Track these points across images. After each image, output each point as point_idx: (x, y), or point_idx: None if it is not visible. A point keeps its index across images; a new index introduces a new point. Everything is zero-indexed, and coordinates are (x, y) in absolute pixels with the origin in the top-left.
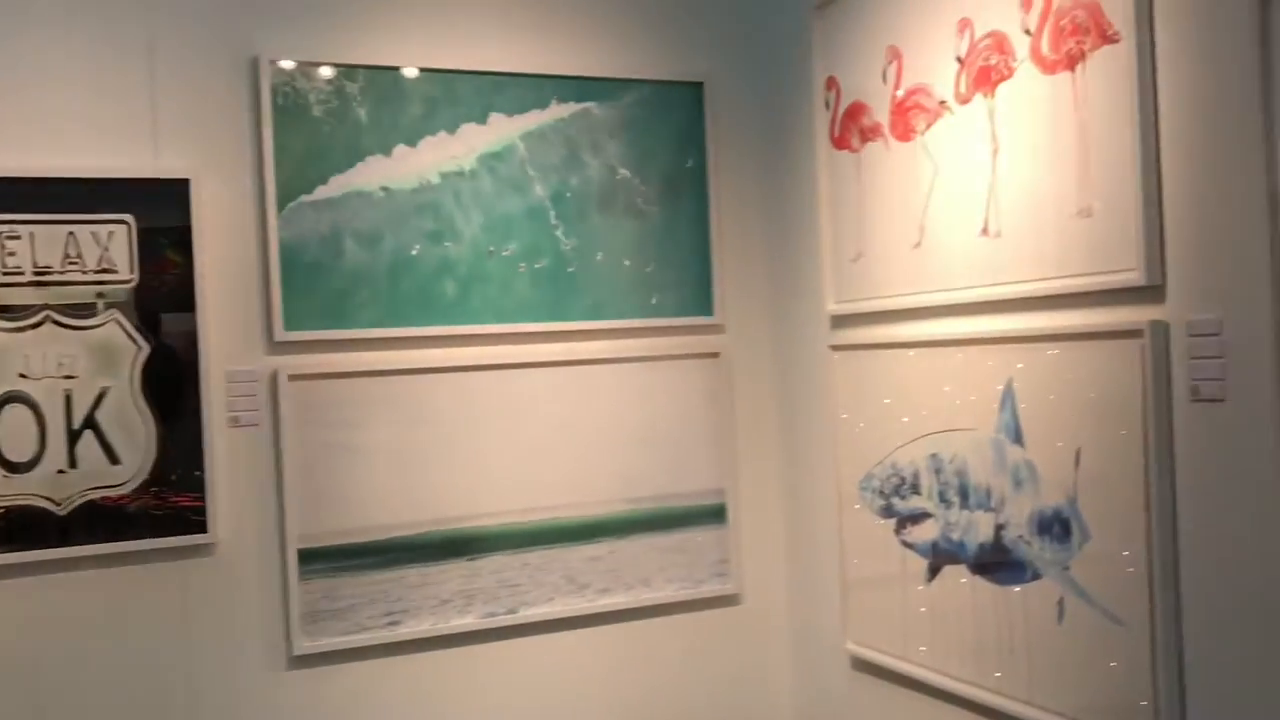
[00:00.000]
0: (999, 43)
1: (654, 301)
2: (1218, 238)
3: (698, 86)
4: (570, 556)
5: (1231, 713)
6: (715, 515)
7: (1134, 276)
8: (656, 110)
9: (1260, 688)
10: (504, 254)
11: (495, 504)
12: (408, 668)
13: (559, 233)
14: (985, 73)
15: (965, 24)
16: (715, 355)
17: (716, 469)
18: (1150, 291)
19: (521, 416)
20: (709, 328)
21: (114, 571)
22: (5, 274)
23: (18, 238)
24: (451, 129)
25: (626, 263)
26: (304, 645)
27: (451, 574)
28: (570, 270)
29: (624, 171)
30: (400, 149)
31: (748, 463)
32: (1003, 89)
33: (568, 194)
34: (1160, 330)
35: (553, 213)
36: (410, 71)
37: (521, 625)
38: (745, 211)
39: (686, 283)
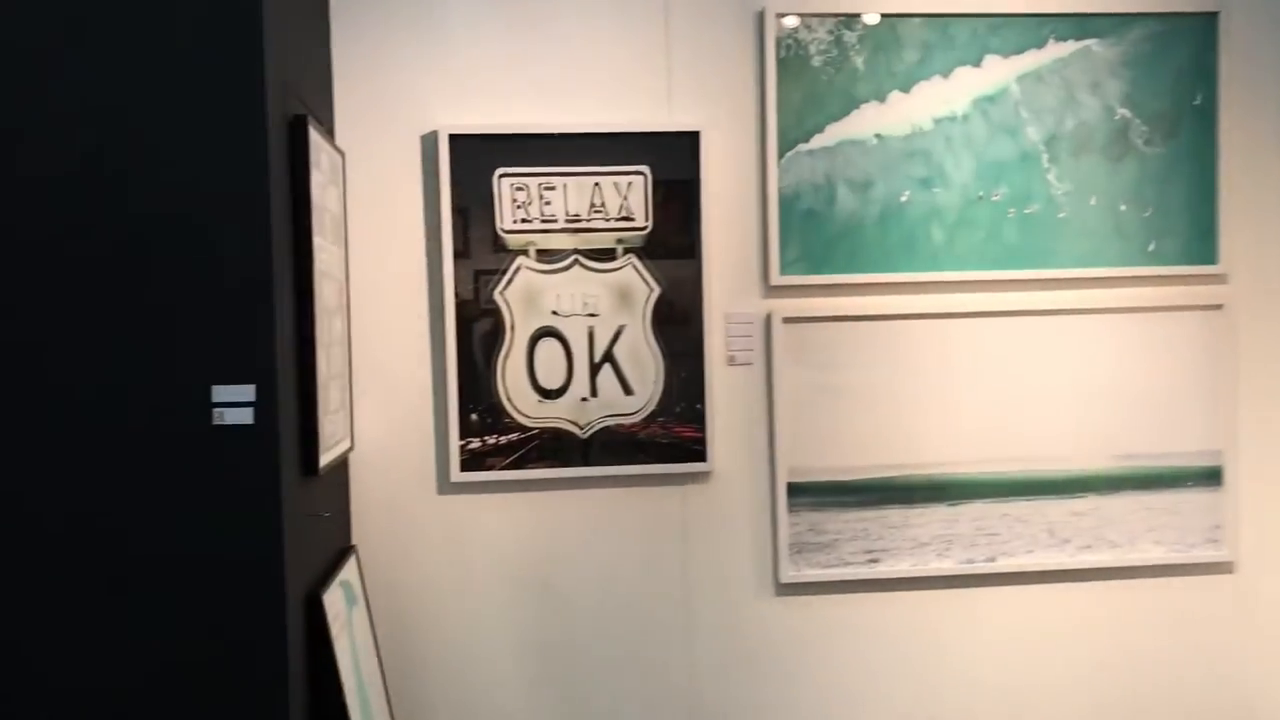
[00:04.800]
0: None
1: (1151, 249)
2: None
3: (1211, 17)
4: (1051, 510)
5: None
6: (1209, 478)
7: None
8: (1162, 46)
9: None
10: (993, 199)
11: (973, 452)
12: (884, 605)
13: (1051, 176)
14: None
15: None
16: (1218, 307)
17: (1212, 429)
18: None
19: (1002, 366)
20: (1211, 277)
21: (623, 491)
22: (544, 222)
23: (554, 189)
24: (945, 73)
25: (1123, 208)
26: (790, 574)
27: (931, 518)
28: (1061, 216)
29: (1123, 111)
30: (895, 95)
31: (1250, 424)
32: None
33: (1062, 136)
34: None
35: (1045, 156)
36: (907, 18)
37: (999, 575)
38: (1262, 154)
39: (1188, 229)
